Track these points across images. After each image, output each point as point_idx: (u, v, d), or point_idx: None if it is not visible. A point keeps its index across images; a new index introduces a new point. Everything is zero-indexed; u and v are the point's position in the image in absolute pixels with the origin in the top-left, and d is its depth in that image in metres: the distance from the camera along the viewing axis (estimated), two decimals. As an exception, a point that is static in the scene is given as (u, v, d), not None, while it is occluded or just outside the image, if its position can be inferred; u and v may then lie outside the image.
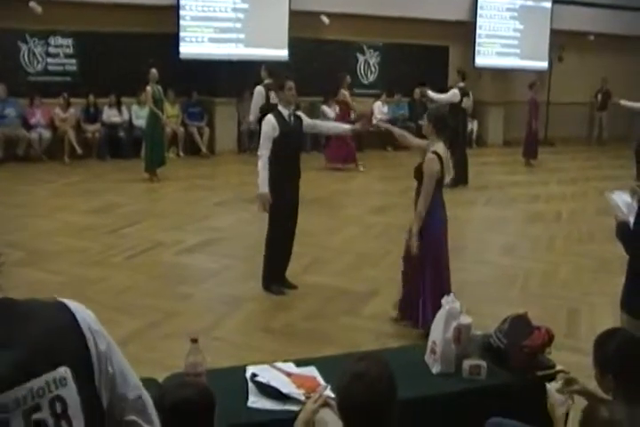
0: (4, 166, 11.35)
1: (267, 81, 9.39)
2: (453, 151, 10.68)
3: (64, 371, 1.47)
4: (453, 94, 10.64)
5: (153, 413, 1.69)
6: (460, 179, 10.86)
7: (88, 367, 1.52)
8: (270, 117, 5.56)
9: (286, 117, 5.61)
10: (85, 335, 1.54)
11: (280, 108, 5.69)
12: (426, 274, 4.91)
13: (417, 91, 10.58)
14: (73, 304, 1.59)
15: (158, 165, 10.62)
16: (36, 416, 1.43)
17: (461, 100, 10.71)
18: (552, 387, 2.78)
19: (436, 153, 4.71)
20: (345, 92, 11.60)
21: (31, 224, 7.86)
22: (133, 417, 1.64)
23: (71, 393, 1.48)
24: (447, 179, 4.86)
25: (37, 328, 1.49)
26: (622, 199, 3.62)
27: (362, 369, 2.18)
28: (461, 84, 10.78)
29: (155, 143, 10.50)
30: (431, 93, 10.70)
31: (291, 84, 5.68)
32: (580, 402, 2.69)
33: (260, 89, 9.33)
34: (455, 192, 10.47)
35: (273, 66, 10.06)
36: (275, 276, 5.84)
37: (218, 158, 11.72)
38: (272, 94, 9.26)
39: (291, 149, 5.62)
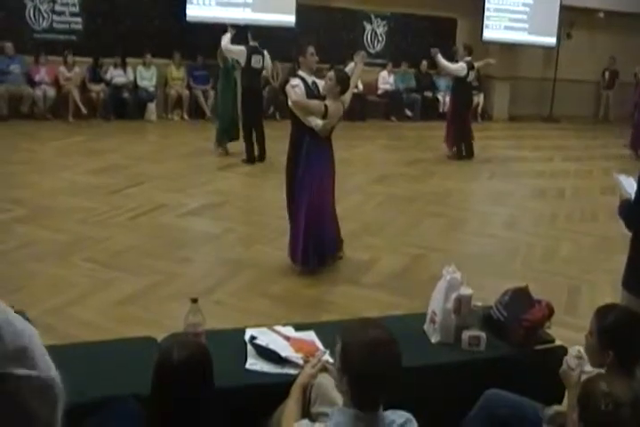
0: (8, 123, 11.31)
1: (252, 43, 9.32)
2: (458, 125, 10.81)
3: None
4: (461, 68, 10.57)
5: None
6: (464, 152, 10.90)
7: None
8: (300, 82, 5.39)
9: (310, 84, 5.48)
10: None
11: (302, 74, 5.55)
12: (301, 213, 5.34)
13: (432, 50, 10.42)
14: None
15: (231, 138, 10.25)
16: None
17: (467, 75, 10.65)
18: (570, 352, 2.79)
19: (325, 105, 5.15)
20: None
21: (34, 182, 7.85)
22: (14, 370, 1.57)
23: None
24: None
25: None
26: (628, 181, 3.63)
27: (377, 336, 2.16)
28: (468, 59, 10.69)
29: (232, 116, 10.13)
30: (440, 58, 10.55)
31: (312, 49, 5.62)
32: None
33: (242, 49, 9.24)
34: (459, 165, 10.50)
35: (258, 29, 10.07)
36: None
37: (222, 122, 11.69)
38: (254, 58, 9.23)
39: None
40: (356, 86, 13.31)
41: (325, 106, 5.16)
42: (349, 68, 5.84)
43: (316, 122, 5.17)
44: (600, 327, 2.55)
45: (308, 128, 5.25)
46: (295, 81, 5.43)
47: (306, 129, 5.27)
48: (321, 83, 5.51)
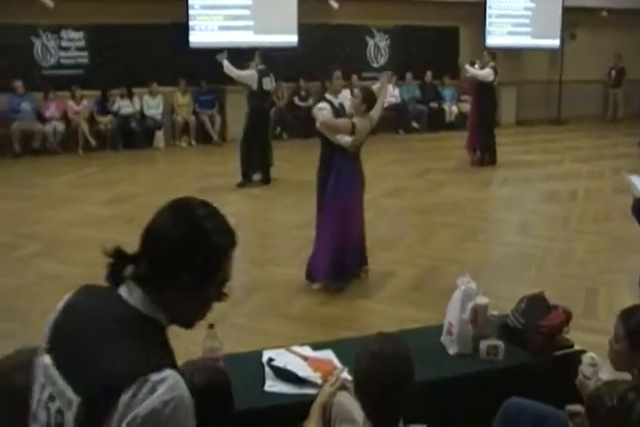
0: (21, 160, 11.42)
1: (260, 66, 9.34)
2: (485, 129, 10.98)
3: (75, 399, 1.51)
4: (488, 73, 10.76)
5: None
6: (487, 158, 11.00)
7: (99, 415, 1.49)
8: (326, 105, 5.60)
9: (336, 106, 5.66)
10: (123, 394, 1.48)
11: (328, 97, 5.73)
12: (328, 228, 5.43)
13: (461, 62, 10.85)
14: (169, 382, 1.51)
15: None
16: (51, 405, 1.57)
17: (494, 79, 10.87)
18: (583, 361, 2.76)
19: (352, 123, 5.28)
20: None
21: (48, 216, 7.91)
22: None
23: (68, 421, 1.51)
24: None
25: (110, 357, 1.53)
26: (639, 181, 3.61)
27: (377, 348, 2.20)
28: (492, 64, 10.88)
29: None
30: (469, 67, 10.84)
31: (338, 73, 5.77)
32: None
33: (253, 73, 9.26)
34: (470, 174, 10.48)
35: (266, 51, 10.05)
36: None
37: (230, 145, 11.71)
38: (265, 80, 9.25)
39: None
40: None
41: (353, 123, 5.29)
42: (375, 87, 5.93)
43: (345, 139, 5.31)
44: (627, 331, 2.50)
45: (337, 146, 5.39)
46: (322, 104, 5.65)
47: (335, 147, 5.42)
48: (347, 104, 5.67)
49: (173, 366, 1.57)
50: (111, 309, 1.63)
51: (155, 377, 1.49)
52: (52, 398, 1.57)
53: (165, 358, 1.58)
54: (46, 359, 1.61)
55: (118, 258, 1.68)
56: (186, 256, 1.61)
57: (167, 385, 1.49)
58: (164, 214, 1.68)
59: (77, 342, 1.58)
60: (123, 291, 1.64)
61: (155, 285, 1.61)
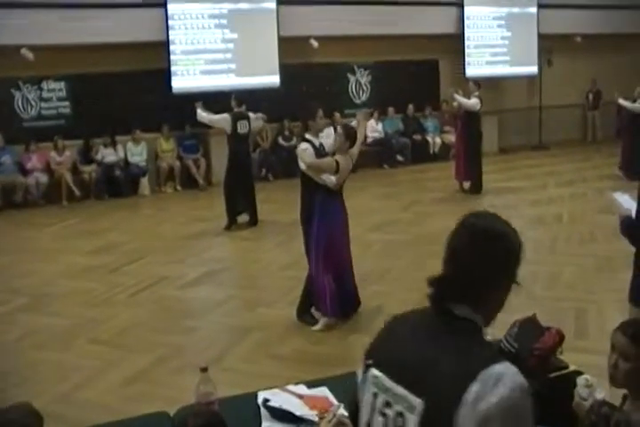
0: (3, 214, 11.29)
1: (236, 109, 9.37)
2: (473, 157, 11.12)
3: (418, 402, 1.62)
4: (476, 102, 10.95)
5: None
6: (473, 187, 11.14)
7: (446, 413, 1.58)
8: (309, 146, 5.66)
9: (317, 146, 5.74)
10: (468, 390, 1.57)
11: (309, 137, 5.79)
12: (317, 269, 5.53)
13: (450, 90, 11.29)
14: (509, 372, 1.59)
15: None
16: (387, 411, 1.72)
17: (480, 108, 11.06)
18: (578, 383, 2.73)
19: (336, 161, 5.36)
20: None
21: (33, 269, 7.83)
22: None
23: (410, 422, 1.64)
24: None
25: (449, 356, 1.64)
26: (624, 198, 3.62)
27: None
28: (477, 93, 11.05)
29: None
30: (457, 96, 11.05)
31: (321, 113, 5.88)
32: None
33: (225, 117, 9.26)
34: (456, 203, 10.49)
35: (242, 94, 10.06)
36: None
37: (215, 189, 11.68)
38: (240, 123, 9.26)
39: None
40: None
41: (337, 162, 5.37)
42: (354, 124, 6.06)
43: (330, 179, 5.39)
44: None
45: (321, 185, 5.46)
46: (304, 145, 5.70)
47: (318, 186, 5.49)
48: (326, 143, 5.78)
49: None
50: (437, 322, 1.77)
51: (494, 370, 1.59)
52: (388, 404, 1.71)
53: (495, 352, 1.74)
54: (375, 372, 1.77)
55: (437, 287, 1.79)
56: (498, 266, 1.76)
57: (509, 376, 1.58)
58: (459, 233, 1.81)
59: (403, 353, 1.73)
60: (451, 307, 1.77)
61: (476, 297, 1.75)
